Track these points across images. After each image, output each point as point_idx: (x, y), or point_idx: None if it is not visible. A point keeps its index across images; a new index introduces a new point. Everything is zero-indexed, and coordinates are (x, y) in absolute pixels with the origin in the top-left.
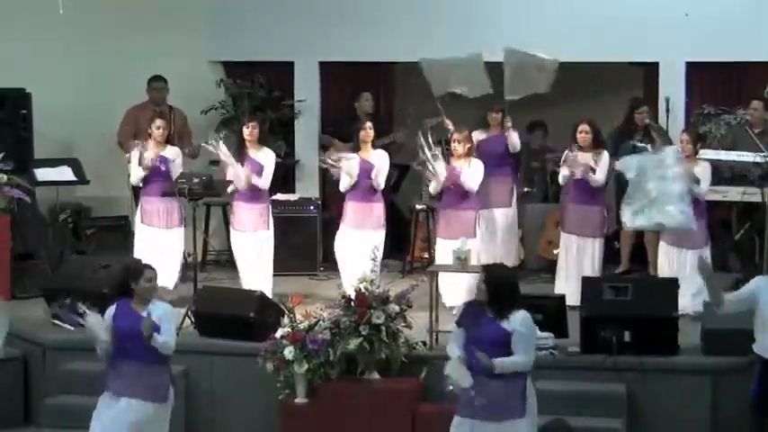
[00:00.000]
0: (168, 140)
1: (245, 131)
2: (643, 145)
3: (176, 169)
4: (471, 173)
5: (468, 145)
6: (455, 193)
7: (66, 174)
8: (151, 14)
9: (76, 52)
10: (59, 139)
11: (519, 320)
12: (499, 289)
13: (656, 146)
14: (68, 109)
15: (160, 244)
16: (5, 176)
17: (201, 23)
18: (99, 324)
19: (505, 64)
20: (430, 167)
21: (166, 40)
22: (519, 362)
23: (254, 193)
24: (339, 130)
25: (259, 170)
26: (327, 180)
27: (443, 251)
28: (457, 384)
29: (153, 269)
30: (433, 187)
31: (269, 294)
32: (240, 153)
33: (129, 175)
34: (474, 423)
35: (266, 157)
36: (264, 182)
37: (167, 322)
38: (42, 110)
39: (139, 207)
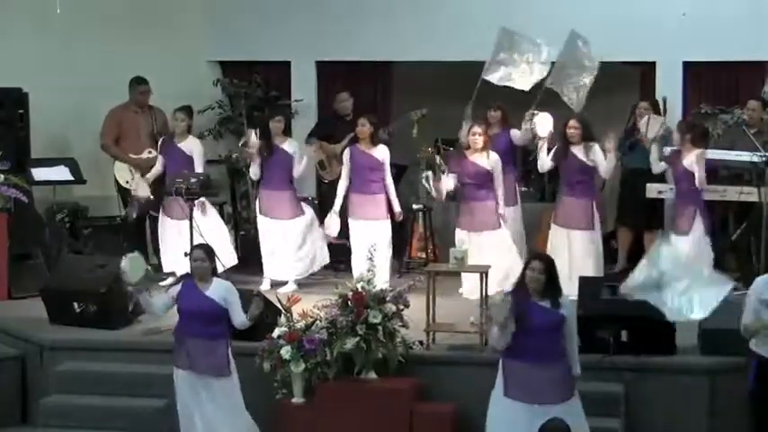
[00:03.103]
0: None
1: (272, 125)
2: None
3: (197, 160)
4: (496, 166)
5: (486, 138)
6: (475, 187)
7: (63, 173)
8: (149, 14)
9: (74, 52)
10: (57, 139)
11: (569, 305)
12: (553, 276)
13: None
14: (66, 109)
15: (179, 233)
16: (2, 176)
17: (199, 23)
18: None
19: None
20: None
21: (164, 39)
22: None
23: (282, 182)
24: (323, 130)
25: (289, 160)
26: (321, 182)
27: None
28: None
29: (202, 249)
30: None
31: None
32: (269, 145)
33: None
34: (533, 407)
35: (292, 147)
36: (296, 170)
37: (234, 303)
38: (40, 109)
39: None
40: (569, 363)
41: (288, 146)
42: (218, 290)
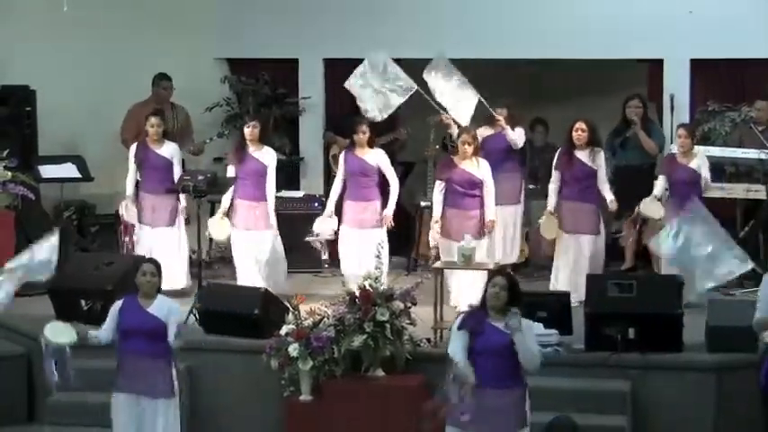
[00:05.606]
0: (166, 136)
1: (246, 131)
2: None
3: (176, 166)
4: (486, 173)
5: (476, 145)
6: (464, 195)
7: (70, 171)
8: (156, 11)
9: (81, 50)
10: (64, 137)
11: (514, 318)
12: (516, 294)
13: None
14: (73, 106)
15: (158, 242)
16: (10, 173)
17: (206, 21)
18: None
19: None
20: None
21: (171, 37)
22: (535, 349)
23: (255, 191)
24: (342, 126)
25: (262, 169)
26: (332, 178)
27: (448, 251)
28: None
29: (153, 263)
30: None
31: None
32: (241, 151)
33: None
34: None
35: (268, 157)
36: (270, 184)
37: (172, 323)
38: (47, 107)
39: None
40: (525, 390)
41: (262, 155)
42: (161, 307)
